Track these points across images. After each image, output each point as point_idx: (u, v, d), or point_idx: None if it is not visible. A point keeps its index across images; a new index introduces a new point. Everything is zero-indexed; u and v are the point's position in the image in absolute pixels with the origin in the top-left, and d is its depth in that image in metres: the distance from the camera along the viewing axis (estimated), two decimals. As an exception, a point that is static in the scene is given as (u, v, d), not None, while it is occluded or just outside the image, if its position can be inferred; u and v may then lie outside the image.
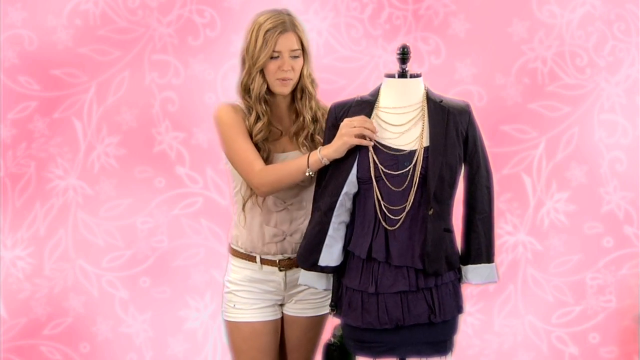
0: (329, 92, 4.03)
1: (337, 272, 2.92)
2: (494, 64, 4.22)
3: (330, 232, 2.85)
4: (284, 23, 2.98)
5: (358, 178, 2.82)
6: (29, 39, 4.17)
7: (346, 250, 2.88)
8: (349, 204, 2.85)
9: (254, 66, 2.98)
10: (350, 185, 2.82)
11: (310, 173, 2.89)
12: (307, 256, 2.89)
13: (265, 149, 3.02)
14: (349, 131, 2.80)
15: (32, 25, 4.17)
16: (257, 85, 2.99)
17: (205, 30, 4.20)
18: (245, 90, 3.03)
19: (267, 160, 3.01)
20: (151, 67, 4.19)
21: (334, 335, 3.00)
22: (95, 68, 4.19)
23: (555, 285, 4.26)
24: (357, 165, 2.82)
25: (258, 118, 3.01)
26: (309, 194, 3.03)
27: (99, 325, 4.25)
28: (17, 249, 4.23)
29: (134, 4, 4.18)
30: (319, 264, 2.87)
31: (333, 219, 2.84)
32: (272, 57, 2.97)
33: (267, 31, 2.96)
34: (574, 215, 4.24)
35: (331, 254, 2.87)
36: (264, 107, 3.02)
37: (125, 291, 4.25)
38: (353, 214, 2.86)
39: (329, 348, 2.99)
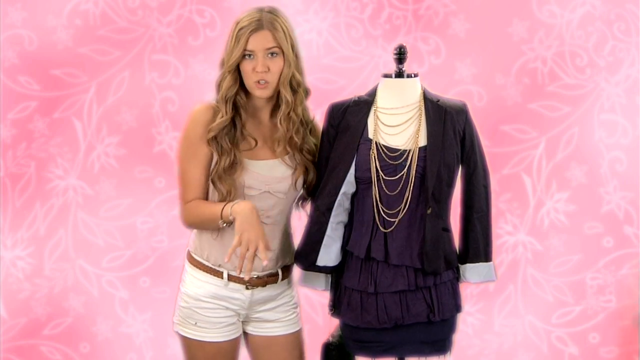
0: (329, 92, 4.06)
1: (335, 272, 2.93)
2: (494, 64, 4.21)
3: (328, 231, 2.84)
4: (259, 21, 2.80)
5: (356, 178, 2.82)
6: (29, 39, 4.17)
7: (344, 250, 2.89)
8: (347, 204, 2.85)
9: (226, 65, 2.85)
10: (349, 185, 2.82)
11: (224, 225, 2.82)
12: (305, 256, 2.89)
13: (230, 153, 2.85)
14: (256, 235, 2.74)
15: (32, 25, 4.17)
16: (225, 85, 2.84)
17: (205, 30, 4.20)
18: (217, 89, 2.89)
19: (234, 164, 2.85)
20: (151, 67, 4.20)
21: (332, 335, 3.00)
22: (95, 68, 4.19)
23: (555, 285, 4.25)
24: (356, 165, 2.82)
25: (221, 117, 2.86)
26: (287, 209, 2.94)
27: (99, 325, 4.25)
28: (17, 249, 4.23)
29: (134, 4, 4.18)
30: (317, 264, 2.87)
31: (331, 219, 2.84)
32: (245, 57, 2.81)
33: (240, 29, 2.81)
34: (574, 215, 4.23)
35: (329, 253, 2.86)
36: (228, 108, 2.84)
37: (125, 291, 4.25)
38: (351, 213, 2.87)
39: (327, 348, 2.99)
